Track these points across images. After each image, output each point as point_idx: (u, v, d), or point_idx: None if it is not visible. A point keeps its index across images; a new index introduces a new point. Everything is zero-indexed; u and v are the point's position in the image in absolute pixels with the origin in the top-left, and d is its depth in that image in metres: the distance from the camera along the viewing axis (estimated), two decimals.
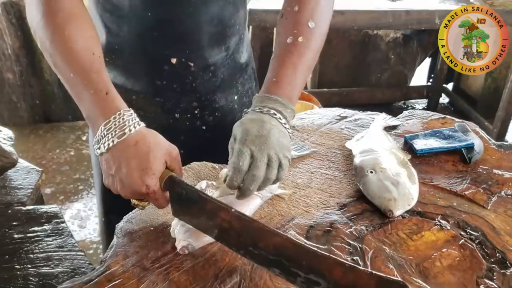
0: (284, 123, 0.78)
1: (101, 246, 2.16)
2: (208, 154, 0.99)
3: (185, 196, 0.71)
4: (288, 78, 0.81)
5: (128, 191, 0.70)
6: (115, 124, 0.70)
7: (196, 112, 1.05)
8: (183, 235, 0.73)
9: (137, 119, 0.73)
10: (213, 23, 0.96)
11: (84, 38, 0.75)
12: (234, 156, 0.73)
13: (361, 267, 0.63)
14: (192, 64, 0.98)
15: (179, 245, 0.72)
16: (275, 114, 0.77)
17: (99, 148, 0.71)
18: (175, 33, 0.94)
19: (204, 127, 1.07)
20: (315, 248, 0.64)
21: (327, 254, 0.63)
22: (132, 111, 0.73)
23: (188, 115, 1.05)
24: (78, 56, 0.73)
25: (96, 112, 0.72)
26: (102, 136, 0.70)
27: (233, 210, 0.67)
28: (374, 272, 0.60)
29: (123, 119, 0.71)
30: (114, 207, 0.86)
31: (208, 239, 0.73)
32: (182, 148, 1.01)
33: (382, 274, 0.60)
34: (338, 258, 0.62)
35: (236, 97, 1.11)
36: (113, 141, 0.69)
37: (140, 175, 0.69)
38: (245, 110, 0.82)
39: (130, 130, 0.70)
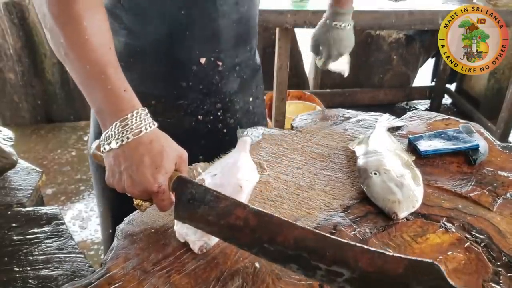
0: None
1: (102, 247, 2.16)
2: None
3: (195, 195, 0.69)
4: None
5: (138, 188, 0.69)
6: (131, 122, 0.69)
7: (219, 114, 1.06)
8: (195, 236, 0.72)
9: (152, 119, 0.72)
10: (242, 22, 0.99)
11: (102, 31, 0.71)
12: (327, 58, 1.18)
13: (388, 253, 0.62)
14: (220, 64, 0.99)
15: (195, 246, 0.71)
16: (346, 26, 1.19)
17: (109, 143, 0.69)
18: (207, 32, 0.95)
19: (225, 130, 1.08)
20: (338, 238, 0.63)
21: (352, 242, 0.62)
22: (147, 111, 0.72)
23: (211, 117, 1.05)
24: (95, 49, 0.69)
25: (112, 108, 0.70)
26: (115, 132, 0.69)
27: (250, 206, 0.66)
28: (402, 256, 0.60)
29: (140, 117, 0.70)
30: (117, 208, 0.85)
31: None
32: (202, 153, 1.01)
33: (411, 257, 0.59)
34: (364, 246, 0.61)
35: (251, 99, 1.13)
36: (127, 137, 0.68)
37: (152, 173, 0.68)
38: (324, 20, 1.18)
39: (146, 129, 0.70)
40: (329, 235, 0.63)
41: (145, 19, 0.93)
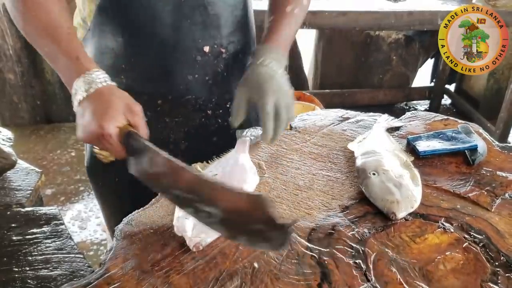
0: (285, 73, 0.92)
1: (101, 248, 2.16)
2: None
3: (136, 147, 0.74)
4: (284, 35, 0.97)
5: (87, 134, 0.75)
6: (84, 82, 0.76)
7: (228, 106, 1.04)
8: (192, 232, 0.73)
9: (107, 78, 0.78)
10: (240, 7, 0.99)
11: (55, 10, 0.81)
12: (265, 110, 0.84)
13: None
14: (223, 51, 0.99)
15: (191, 243, 0.72)
16: (278, 68, 0.91)
17: (73, 105, 0.78)
18: (208, 19, 0.94)
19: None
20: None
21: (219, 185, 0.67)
22: (101, 70, 0.79)
23: (220, 111, 1.04)
24: (51, 27, 0.80)
25: (71, 75, 0.78)
26: (74, 93, 0.77)
27: (172, 160, 0.70)
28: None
29: (91, 76, 0.77)
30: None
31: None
32: (214, 152, 1.00)
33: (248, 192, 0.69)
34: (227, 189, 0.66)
35: None
36: (82, 95, 0.76)
37: (97, 119, 0.74)
38: (250, 62, 0.93)
39: (97, 85, 0.76)
40: (209, 179, 0.69)
41: (144, 11, 0.91)
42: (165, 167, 0.70)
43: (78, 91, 0.76)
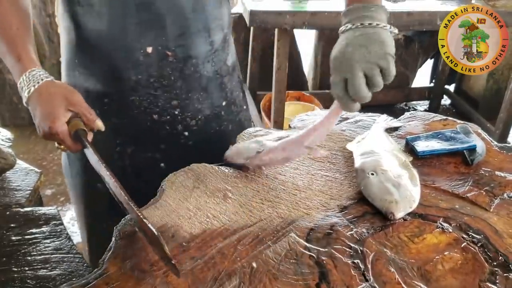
0: (391, 30, 0.81)
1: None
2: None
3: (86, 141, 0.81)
4: None
5: (41, 134, 0.81)
6: (25, 81, 0.81)
7: (176, 112, 1.00)
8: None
9: (44, 75, 0.82)
10: (195, 10, 0.93)
11: (10, 10, 0.84)
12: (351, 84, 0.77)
13: None
14: (169, 53, 0.94)
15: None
16: (377, 24, 0.79)
17: (23, 97, 0.82)
18: (152, 18, 0.91)
19: (186, 133, 1.02)
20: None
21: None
22: (38, 69, 0.82)
23: (168, 117, 1.00)
24: (1, 28, 0.84)
25: (15, 75, 0.83)
26: (20, 93, 0.82)
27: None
28: None
29: (29, 78, 0.81)
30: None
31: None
32: (162, 160, 0.98)
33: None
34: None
35: (224, 103, 1.07)
36: (25, 96, 0.81)
37: (44, 120, 0.79)
38: (344, 27, 0.81)
39: (34, 86, 0.80)
40: None
41: (93, 7, 0.89)
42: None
43: (23, 90, 0.81)
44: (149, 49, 0.93)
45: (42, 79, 0.81)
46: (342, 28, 0.83)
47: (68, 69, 0.99)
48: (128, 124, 0.99)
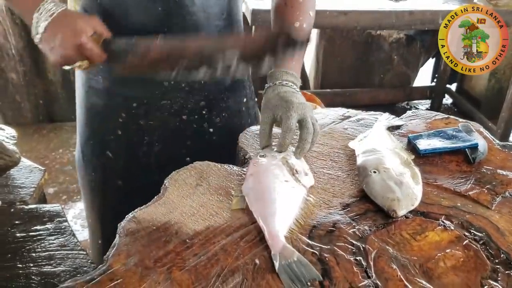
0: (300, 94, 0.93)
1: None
2: (213, 160, 0.97)
3: (120, 47, 0.85)
4: (297, 57, 0.97)
5: (69, 47, 0.82)
6: (45, 10, 0.83)
7: (204, 112, 1.04)
8: None
9: (60, 3, 0.85)
10: (222, 16, 0.97)
11: None
12: (285, 121, 0.86)
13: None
14: None
15: None
16: (295, 87, 0.93)
17: (37, 33, 0.84)
18: (186, 28, 0.94)
19: (211, 130, 1.07)
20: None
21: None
22: (55, 1, 0.86)
23: (196, 116, 1.04)
24: None
25: (28, 5, 0.85)
26: (35, 23, 0.83)
27: (159, 41, 0.83)
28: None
29: (49, 4, 0.84)
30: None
31: None
32: (188, 155, 1.01)
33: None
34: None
35: (245, 99, 1.12)
36: (46, 19, 0.83)
37: (73, 31, 0.82)
38: (268, 84, 0.94)
39: (57, 10, 0.84)
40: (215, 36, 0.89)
41: (123, 16, 0.92)
42: (165, 48, 0.82)
43: (41, 19, 0.83)
44: None
45: (62, 6, 0.85)
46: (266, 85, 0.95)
47: (90, 72, 1.01)
48: (156, 126, 1.03)
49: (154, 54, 0.83)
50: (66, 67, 0.88)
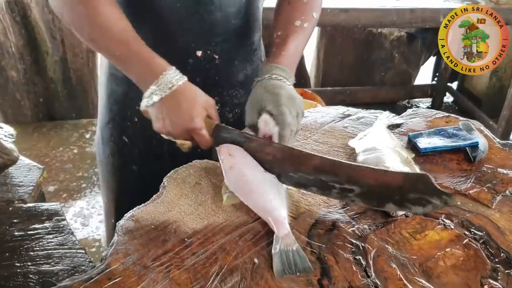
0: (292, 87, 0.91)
1: (104, 245, 2.17)
2: None
3: (231, 138, 0.85)
4: (292, 53, 0.94)
5: (179, 127, 0.83)
6: (164, 80, 0.82)
7: (217, 107, 1.05)
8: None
9: (182, 76, 0.84)
10: (239, 15, 0.98)
11: (117, 17, 0.85)
12: (282, 115, 0.84)
13: (391, 170, 0.80)
14: (217, 57, 0.99)
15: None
16: (286, 82, 0.90)
17: (151, 99, 0.83)
18: (203, 25, 0.95)
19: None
20: (350, 162, 0.80)
21: (361, 164, 0.81)
22: (174, 68, 0.84)
23: None
24: (116, 31, 0.84)
25: (148, 73, 0.83)
26: (153, 90, 0.82)
27: (275, 143, 0.83)
28: (401, 171, 0.80)
29: (171, 75, 0.83)
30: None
31: None
32: (202, 152, 1.01)
33: (408, 172, 0.80)
34: (369, 166, 0.79)
35: None
36: (165, 91, 0.82)
37: (189, 113, 0.82)
38: (257, 79, 0.91)
39: (177, 82, 0.82)
40: (341, 161, 0.81)
41: (142, 12, 0.93)
42: (280, 154, 0.82)
43: (159, 89, 0.82)
44: (199, 53, 0.99)
45: (184, 78, 0.84)
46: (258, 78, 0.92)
47: (109, 66, 1.02)
48: None
49: (267, 156, 0.83)
50: (165, 136, 0.87)
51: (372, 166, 0.78)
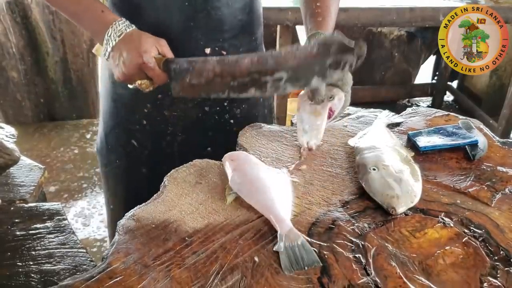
0: None
1: (105, 244, 2.17)
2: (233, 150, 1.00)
3: (179, 67, 0.87)
4: (332, 21, 0.99)
5: (132, 67, 0.86)
6: (113, 30, 0.87)
7: (225, 104, 1.08)
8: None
9: (130, 24, 0.89)
10: (245, 11, 1.00)
11: None
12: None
13: (306, 46, 0.84)
14: (225, 53, 1.01)
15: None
16: None
17: (106, 50, 0.89)
18: (211, 22, 0.97)
19: (232, 121, 1.10)
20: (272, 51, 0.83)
21: (281, 51, 0.83)
22: (124, 19, 0.89)
23: (218, 108, 1.07)
24: None
25: (99, 27, 0.89)
26: (106, 41, 0.88)
27: (210, 58, 0.86)
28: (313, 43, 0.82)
29: (118, 25, 0.88)
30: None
31: None
32: (209, 145, 1.03)
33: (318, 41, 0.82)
34: (289, 51, 0.82)
35: None
36: (115, 39, 0.87)
37: (137, 52, 0.86)
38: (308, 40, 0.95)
39: (126, 30, 0.88)
40: (265, 53, 0.86)
41: (151, 12, 0.95)
42: (218, 67, 0.84)
43: (110, 39, 0.88)
44: (207, 50, 1.00)
45: (132, 26, 0.89)
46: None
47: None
48: (180, 116, 1.07)
49: (210, 73, 0.85)
50: (129, 86, 0.91)
51: (292, 50, 0.82)
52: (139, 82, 0.90)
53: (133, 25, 0.89)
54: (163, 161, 1.09)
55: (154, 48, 0.88)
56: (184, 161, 0.93)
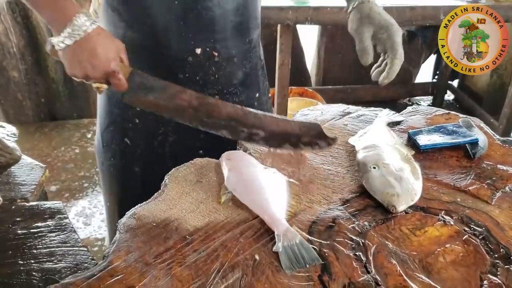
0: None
1: (106, 243, 2.17)
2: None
3: (147, 84, 0.88)
4: None
5: (99, 71, 0.84)
6: (77, 23, 0.82)
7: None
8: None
9: (92, 19, 0.85)
10: (238, 12, 0.99)
11: None
12: (394, 47, 1.10)
13: (289, 119, 0.92)
14: (216, 54, 1.00)
15: None
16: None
17: (63, 42, 0.83)
18: (202, 22, 0.96)
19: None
20: (256, 111, 0.89)
21: (266, 113, 0.90)
22: (86, 11, 0.85)
23: None
24: None
25: (60, 16, 0.83)
26: (66, 34, 0.82)
27: (189, 91, 0.88)
28: (297, 120, 0.92)
29: (82, 20, 0.83)
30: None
31: None
32: (201, 148, 1.02)
33: (302, 121, 0.88)
34: (274, 115, 0.90)
35: (257, 95, 1.13)
36: (79, 34, 0.82)
37: (106, 56, 0.84)
38: (356, 1, 1.06)
39: (91, 26, 0.83)
40: (250, 110, 0.89)
41: (141, 10, 0.94)
42: (195, 101, 0.87)
43: (71, 34, 0.82)
44: (198, 51, 0.99)
45: (96, 23, 0.85)
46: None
47: None
48: (169, 120, 1.04)
49: (183, 102, 0.87)
50: (76, 80, 0.89)
51: (275, 116, 0.91)
52: (97, 85, 0.88)
53: (97, 22, 0.86)
54: (155, 161, 1.09)
55: (120, 54, 0.87)
56: (176, 163, 0.93)
